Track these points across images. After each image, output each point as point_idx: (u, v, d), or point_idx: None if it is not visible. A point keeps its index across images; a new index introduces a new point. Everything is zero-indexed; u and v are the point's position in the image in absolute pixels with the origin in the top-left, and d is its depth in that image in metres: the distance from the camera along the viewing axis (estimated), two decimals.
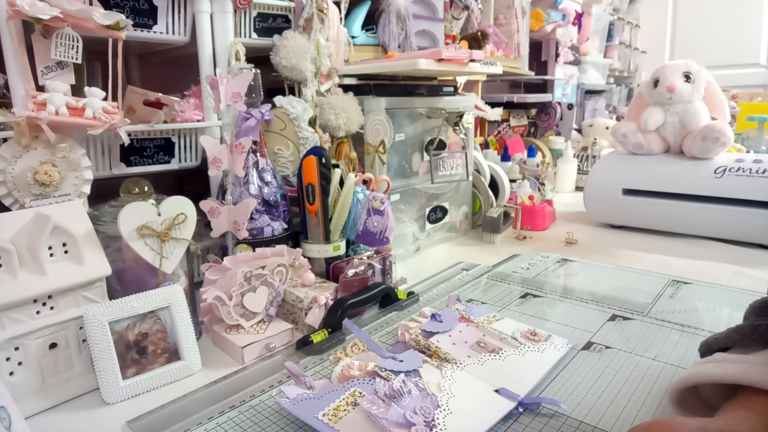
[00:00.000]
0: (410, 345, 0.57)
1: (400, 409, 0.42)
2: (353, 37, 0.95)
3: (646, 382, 0.51)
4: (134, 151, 0.71)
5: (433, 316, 0.61)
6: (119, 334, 0.53)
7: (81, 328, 0.53)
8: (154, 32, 0.73)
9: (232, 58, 0.78)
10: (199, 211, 0.64)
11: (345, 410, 0.44)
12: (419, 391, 0.45)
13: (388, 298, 0.71)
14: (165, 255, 0.58)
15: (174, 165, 0.75)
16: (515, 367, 0.52)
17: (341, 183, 0.77)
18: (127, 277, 0.60)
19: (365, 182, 0.82)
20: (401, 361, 0.51)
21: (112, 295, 0.56)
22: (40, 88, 0.57)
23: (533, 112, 1.89)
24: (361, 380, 0.48)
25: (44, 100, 0.55)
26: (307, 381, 0.49)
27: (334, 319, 0.63)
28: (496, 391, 0.48)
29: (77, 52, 0.57)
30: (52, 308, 0.52)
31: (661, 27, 3.02)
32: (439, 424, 0.42)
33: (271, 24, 0.85)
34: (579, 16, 1.97)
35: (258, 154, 0.73)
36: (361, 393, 0.46)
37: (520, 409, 0.46)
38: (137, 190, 0.61)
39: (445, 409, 0.44)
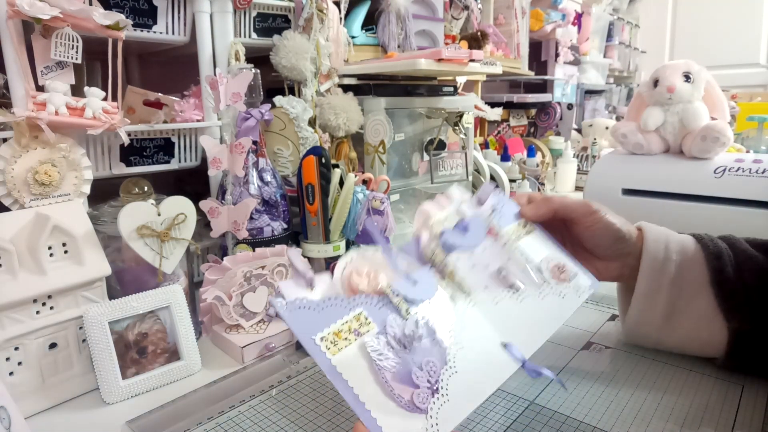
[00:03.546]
0: (426, 256, 0.50)
1: (406, 365, 0.39)
2: (353, 37, 0.95)
3: (646, 382, 0.51)
4: (134, 151, 0.71)
5: (458, 224, 0.53)
6: (119, 334, 0.53)
7: (81, 328, 0.53)
8: (154, 32, 0.73)
9: (232, 58, 0.78)
10: (199, 211, 0.64)
11: (346, 339, 0.39)
12: (430, 339, 0.42)
13: None
14: (165, 255, 0.58)
15: (174, 165, 0.75)
16: (530, 315, 0.49)
17: (341, 183, 0.77)
18: (127, 277, 0.60)
19: (365, 182, 0.81)
20: (415, 282, 0.46)
21: (112, 295, 0.56)
22: (40, 88, 0.57)
23: (533, 112, 1.89)
24: (368, 298, 0.43)
25: (44, 100, 0.55)
26: (308, 276, 0.42)
27: None
28: (504, 345, 0.45)
29: (77, 52, 0.57)
30: (51, 308, 0.52)
31: (661, 27, 3.03)
32: (442, 388, 0.39)
33: (271, 24, 0.85)
34: (579, 16, 1.97)
35: (258, 154, 0.73)
36: (366, 318, 0.41)
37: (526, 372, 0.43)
38: (137, 190, 0.61)
39: (451, 367, 0.41)
